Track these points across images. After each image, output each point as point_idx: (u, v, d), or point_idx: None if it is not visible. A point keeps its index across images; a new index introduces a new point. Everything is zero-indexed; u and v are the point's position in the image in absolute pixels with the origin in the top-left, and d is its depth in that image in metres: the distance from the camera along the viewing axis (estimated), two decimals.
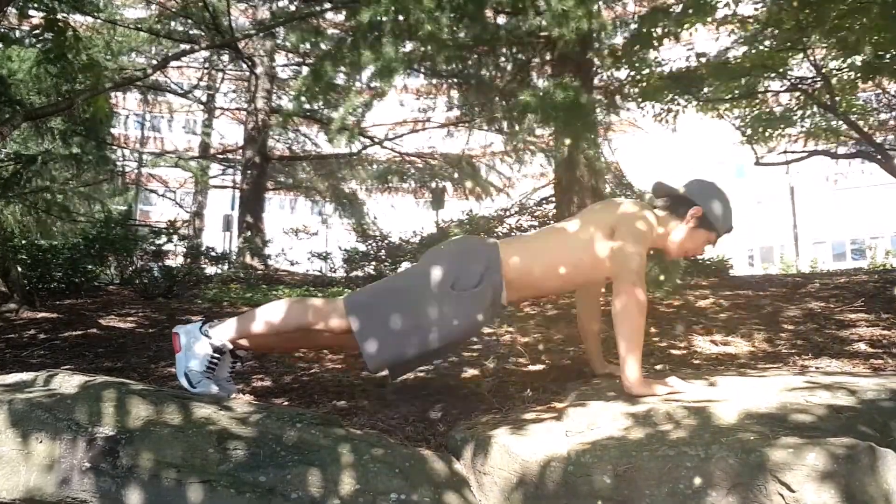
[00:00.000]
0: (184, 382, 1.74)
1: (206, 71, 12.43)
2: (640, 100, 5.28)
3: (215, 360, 1.77)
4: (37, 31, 4.36)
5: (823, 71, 5.50)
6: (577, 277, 1.87)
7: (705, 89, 5.39)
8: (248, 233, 9.57)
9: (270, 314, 1.78)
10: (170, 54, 7.55)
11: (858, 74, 4.97)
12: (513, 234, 6.66)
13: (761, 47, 5.16)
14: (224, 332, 1.78)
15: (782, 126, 6.34)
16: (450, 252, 1.87)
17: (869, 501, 1.08)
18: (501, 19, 4.63)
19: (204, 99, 13.20)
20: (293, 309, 1.79)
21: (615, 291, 1.70)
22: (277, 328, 1.78)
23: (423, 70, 7.70)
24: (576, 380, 2.04)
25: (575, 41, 3.23)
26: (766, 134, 6.34)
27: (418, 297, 1.76)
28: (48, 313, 3.71)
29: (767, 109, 6.70)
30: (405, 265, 7.03)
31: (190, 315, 3.83)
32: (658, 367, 2.25)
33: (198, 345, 1.76)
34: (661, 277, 3.10)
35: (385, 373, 1.87)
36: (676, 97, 5.43)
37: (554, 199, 5.09)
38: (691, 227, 1.84)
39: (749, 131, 6.42)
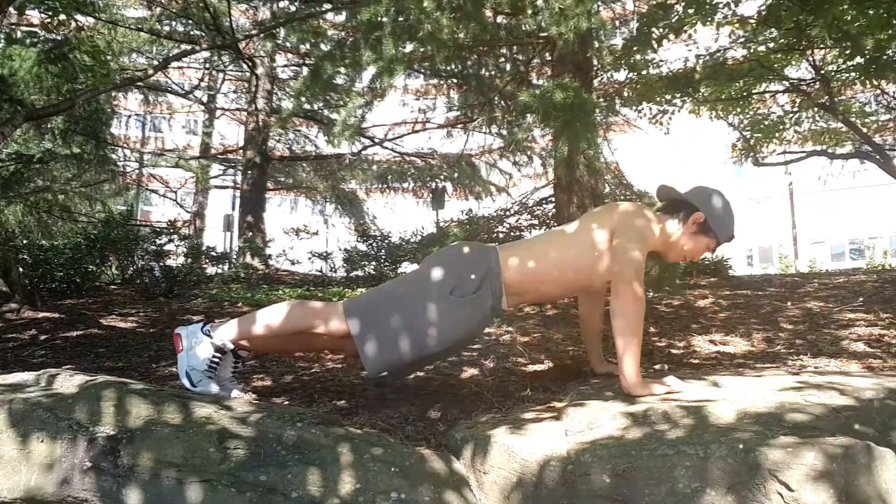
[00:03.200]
0: (185, 382, 1.74)
1: (206, 71, 12.44)
2: (637, 102, 5.29)
3: (217, 360, 1.77)
4: (34, 32, 4.36)
5: (822, 72, 5.51)
6: (577, 283, 1.86)
7: (703, 90, 5.40)
8: (249, 233, 9.58)
9: (271, 316, 1.79)
10: (171, 55, 7.56)
11: (860, 76, 4.97)
12: (512, 233, 6.66)
13: (760, 48, 5.17)
14: (226, 332, 1.79)
15: (784, 128, 6.36)
16: (449, 257, 1.87)
17: (867, 500, 1.09)
18: (501, 19, 4.63)
19: (205, 99, 13.21)
20: (293, 312, 1.80)
21: (613, 290, 1.70)
22: (277, 330, 1.78)
23: (422, 70, 7.71)
24: (575, 379, 2.04)
25: (574, 41, 3.23)
26: (769, 138, 6.36)
27: (417, 303, 1.76)
28: (49, 313, 3.71)
29: (766, 113, 6.73)
30: (405, 265, 7.03)
31: (191, 315, 3.84)
32: (657, 366, 2.25)
33: (200, 345, 1.76)
34: (660, 277, 3.10)
35: (384, 374, 1.88)
36: (673, 97, 5.44)
37: (553, 199, 5.09)
38: (691, 232, 1.85)
39: (750, 136, 6.44)
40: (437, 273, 1.80)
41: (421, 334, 1.74)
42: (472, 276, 1.78)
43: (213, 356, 1.76)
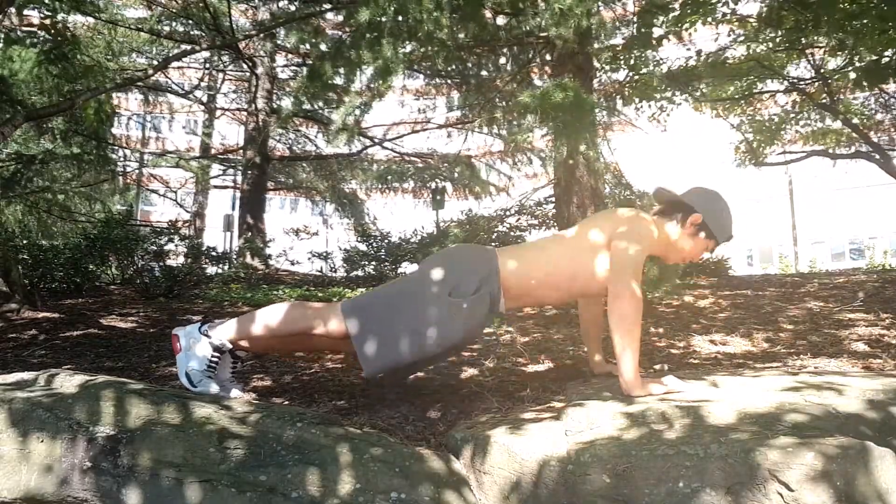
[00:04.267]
0: (185, 382, 1.74)
1: (206, 71, 12.44)
2: (637, 100, 5.29)
3: (215, 360, 1.77)
4: (34, 32, 4.37)
5: (822, 72, 5.51)
6: (575, 288, 1.86)
7: (703, 87, 5.40)
8: (249, 233, 9.58)
9: (269, 317, 1.79)
10: (170, 55, 7.56)
11: (859, 78, 4.97)
12: (512, 233, 6.66)
13: (760, 47, 5.16)
14: (223, 332, 1.79)
15: (785, 128, 6.36)
16: (448, 259, 1.87)
17: (866, 501, 1.09)
18: (501, 20, 4.64)
19: (204, 99, 13.21)
20: (292, 312, 1.80)
21: (611, 291, 1.70)
22: (276, 331, 1.78)
23: (422, 70, 7.71)
24: (575, 380, 2.04)
25: (574, 41, 3.23)
26: (770, 140, 6.37)
27: (416, 304, 1.77)
28: (49, 313, 3.71)
29: (767, 114, 6.73)
30: (405, 265, 7.03)
31: (191, 315, 3.84)
32: (657, 366, 2.25)
33: (198, 345, 1.77)
34: (660, 277, 3.10)
35: (381, 375, 1.88)
36: (673, 95, 5.44)
37: (553, 199, 5.09)
38: (690, 234, 1.85)
39: (753, 138, 6.44)
40: (436, 274, 1.80)
41: (419, 335, 1.74)
42: (472, 278, 1.78)
43: (212, 356, 1.77)
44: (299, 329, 1.79)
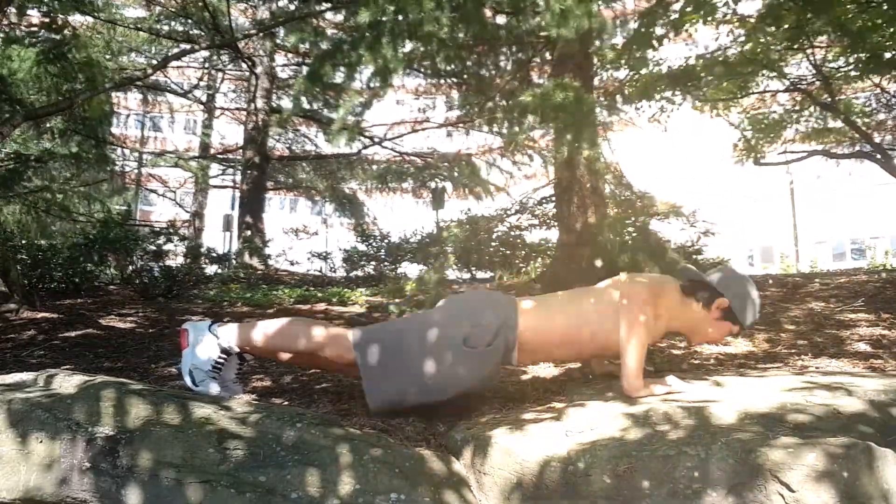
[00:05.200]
0: (187, 380, 1.74)
1: (205, 71, 12.42)
2: (637, 99, 5.28)
3: (221, 361, 1.77)
4: (33, 31, 4.37)
5: (823, 70, 5.50)
6: (591, 347, 1.85)
7: (703, 88, 5.39)
8: (248, 233, 9.57)
9: (280, 333, 1.79)
10: (170, 54, 7.56)
11: (861, 72, 4.96)
12: (512, 233, 6.66)
13: (760, 45, 5.15)
14: (233, 336, 1.78)
15: (784, 126, 6.35)
16: (467, 305, 1.86)
17: (868, 501, 1.08)
18: (501, 19, 4.63)
19: (204, 99, 13.19)
20: (303, 332, 1.79)
21: (619, 304, 1.74)
22: (284, 347, 1.79)
23: (422, 70, 7.69)
24: (576, 380, 2.04)
25: (575, 41, 3.22)
26: (769, 137, 6.36)
27: (429, 347, 1.75)
28: (48, 313, 3.71)
29: (766, 111, 6.73)
30: (405, 264, 7.03)
31: (190, 315, 3.83)
32: (658, 369, 2.25)
33: (206, 343, 1.76)
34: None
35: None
36: (673, 94, 5.43)
37: (554, 199, 5.08)
38: (715, 317, 1.83)
39: (750, 135, 6.44)
40: (453, 319, 1.79)
41: (428, 379, 1.72)
42: (488, 328, 1.76)
43: (219, 356, 1.76)
44: (309, 349, 1.79)
